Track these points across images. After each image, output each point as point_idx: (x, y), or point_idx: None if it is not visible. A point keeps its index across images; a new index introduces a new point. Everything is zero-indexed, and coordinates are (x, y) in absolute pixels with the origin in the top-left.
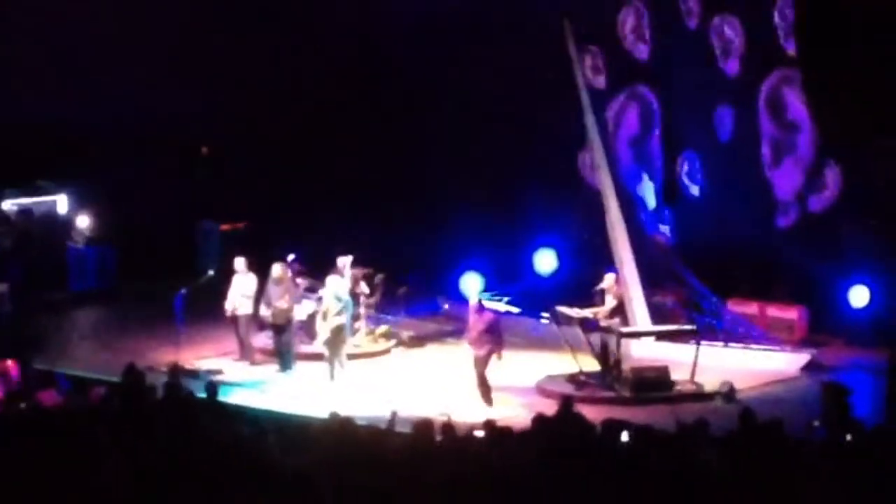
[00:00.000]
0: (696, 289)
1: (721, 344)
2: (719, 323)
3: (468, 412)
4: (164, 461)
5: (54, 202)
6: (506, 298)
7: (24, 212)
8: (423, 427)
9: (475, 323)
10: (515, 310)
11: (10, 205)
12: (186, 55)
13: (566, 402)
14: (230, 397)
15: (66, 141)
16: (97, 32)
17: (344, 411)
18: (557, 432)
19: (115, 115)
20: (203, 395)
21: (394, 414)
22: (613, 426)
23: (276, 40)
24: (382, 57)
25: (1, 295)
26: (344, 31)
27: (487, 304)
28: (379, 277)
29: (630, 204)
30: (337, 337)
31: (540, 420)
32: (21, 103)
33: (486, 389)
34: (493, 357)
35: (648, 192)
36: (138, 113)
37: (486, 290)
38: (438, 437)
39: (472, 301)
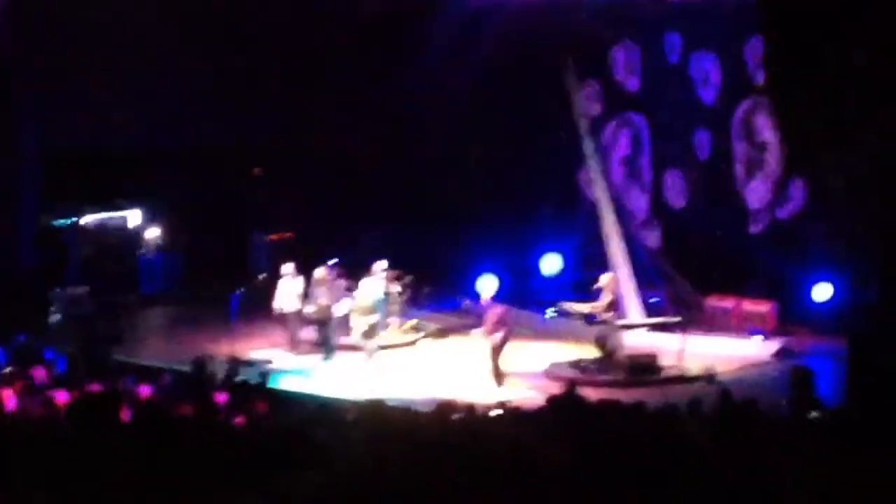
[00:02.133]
0: (681, 286)
1: (703, 333)
2: (701, 316)
3: (485, 394)
4: (222, 439)
5: (126, 217)
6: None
7: (101, 225)
8: (446, 407)
9: (489, 315)
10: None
11: (89, 219)
12: (242, 90)
13: (570, 385)
14: (279, 383)
15: (138, 164)
16: (167, 71)
17: (377, 395)
18: (565, 410)
19: (180, 141)
20: (256, 381)
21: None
22: (611, 406)
23: (317, 78)
24: (409, 91)
25: (81, 297)
26: (377, 70)
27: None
28: (408, 279)
29: (623, 214)
30: (371, 332)
31: (552, 400)
32: (97, 132)
33: (499, 373)
34: (506, 344)
35: (639, 204)
36: (200, 140)
37: (500, 290)
38: (460, 415)
39: (486, 298)
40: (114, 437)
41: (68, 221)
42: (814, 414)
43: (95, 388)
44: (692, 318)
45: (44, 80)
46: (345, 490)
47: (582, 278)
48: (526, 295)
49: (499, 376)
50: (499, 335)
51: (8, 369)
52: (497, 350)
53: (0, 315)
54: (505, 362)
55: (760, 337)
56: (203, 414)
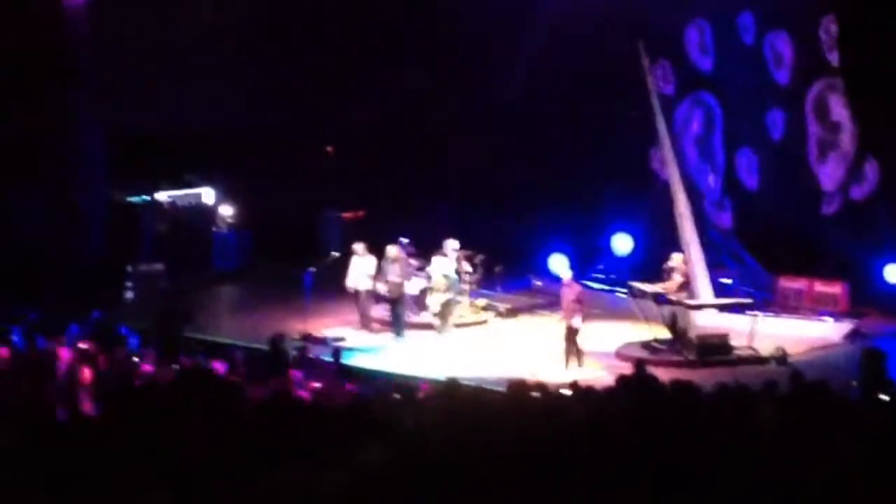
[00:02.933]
0: (753, 267)
1: (774, 314)
2: (772, 296)
3: (556, 373)
4: (295, 410)
5: (201, 194)
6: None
7: (175, 202)
8: (518, 385)
9: (567, 296)
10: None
11: (164, 196)
12: (318, 70)
13: (640, 364)
14: (352, 360)
15: (214, 142)
16: (240, 50)
17: (451, 373)
18: (635, 390)
19: (257, 120)
20: (330, 358)
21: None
22: (682, 386)
23: (389, 59)
24: (482, 70)
25: (158, 273)
26: (443, 48)
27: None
28: (479, 258)
29: (695, 194)
30: (445, 309)
31: (622, 380)
32: (168, 110)
33: (579, 353)
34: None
35: (711, 184)
36: (275, 118)
37: (574, 269)
38: (533, 394)
39: (565, 278)
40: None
41: (143, 199)
42: (884, 396)
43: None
44: (763, 299)
45: (113, 57)
46: (413, 462)
47: (653, 258)
48: (597, 274)
49: (580, 355)
50: (577, 315)
51: (83, 345)
52: (576, 329)
53: (75, 292)
54: (581, 342)
55: (832, 318)
56: (276, 391)
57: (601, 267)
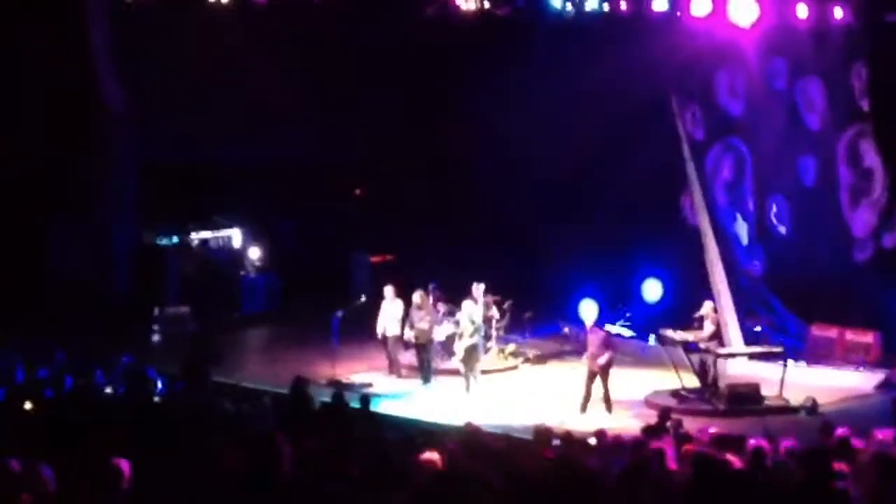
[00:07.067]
0: (784, 315)
1: (805, 363)
2: (803, 345)
3: (583, 421)
4: (324, 460)
5: (230, 237)
6: (622, 323)
7: (204, 245)
8: (543, 434)
9: (593, 340)
10: (629, 333)
11: (192, 238)
12: (342, 114)
13: (664, 413)
14: (379, 407)
15: (243, 184)
16: (273, 95)
17: (477, 420)
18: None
19: (284, 163)
20: (357, 405)
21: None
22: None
23: (418, 100)
24: (510, 112)
25: (184, 316)
26: (477, 91)
27: (608, 327)
28: (508, 303)
29: (726, 241)
30: (471, 355)
31: (647, 429)
32: (199, 150)
33: (609, 399)
34: (611, 368)
35: (742, 230)
36: (303, 161)
37: (602, 315)
38: (556, 443)
39: (590, 323)
40: None
41: (172, 240)
42: None
43: None
44: (794, 348)
45: (145, 97)
46: None
47: (683, 305)
48: (624, 321)
49: (608, 402)
50: (604, 359)
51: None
52: (605, 375)
53: (101, 332)
54: (611, 388)
55: (863, 368)
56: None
57: (628, 314)
